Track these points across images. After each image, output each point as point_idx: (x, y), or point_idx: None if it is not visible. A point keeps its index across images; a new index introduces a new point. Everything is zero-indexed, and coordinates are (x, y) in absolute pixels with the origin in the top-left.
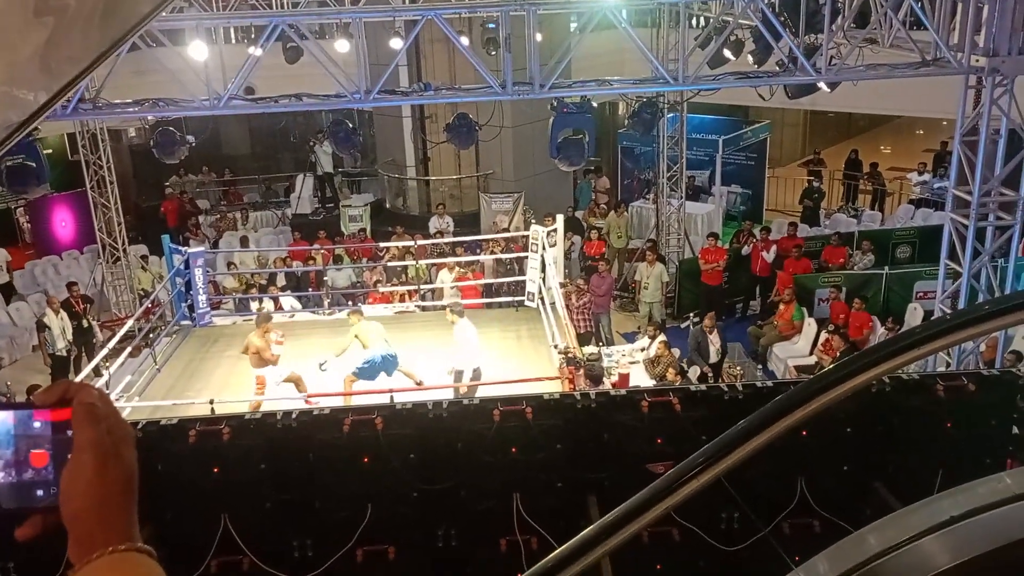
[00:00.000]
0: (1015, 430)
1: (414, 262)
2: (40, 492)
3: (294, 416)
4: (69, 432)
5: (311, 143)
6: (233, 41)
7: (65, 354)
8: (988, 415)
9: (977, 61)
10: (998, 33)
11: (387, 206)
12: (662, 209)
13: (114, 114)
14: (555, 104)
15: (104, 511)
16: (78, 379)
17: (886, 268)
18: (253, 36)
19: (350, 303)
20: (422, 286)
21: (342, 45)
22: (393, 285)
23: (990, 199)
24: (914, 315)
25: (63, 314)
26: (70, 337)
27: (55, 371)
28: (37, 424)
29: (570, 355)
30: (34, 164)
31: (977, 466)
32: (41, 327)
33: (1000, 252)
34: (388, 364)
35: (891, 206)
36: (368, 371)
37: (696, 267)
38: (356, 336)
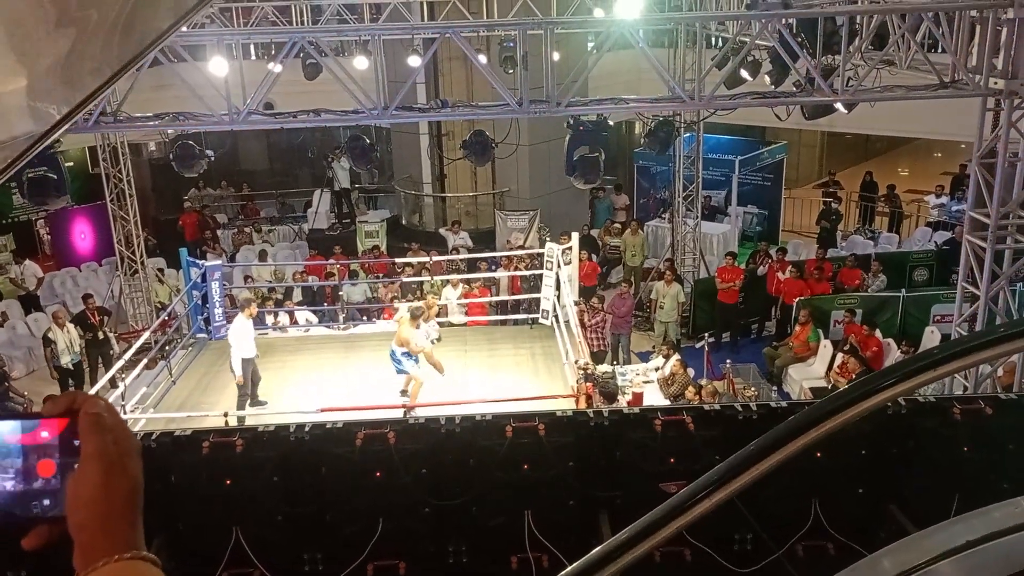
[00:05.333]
0: None
1: (429, 278)
2: (47, 501)
3: (307, 429)
4: (76, 442)
5: (329, 159)
6: (253, 57)
7: (71, 367)
8: (1005, 439)
9: (995, 84)
10: (1016, 56)
11: (403, 222)
12: (678, 229)
13: (134, 127)
14: (571, 122)
15: (109, 520)
16: (93, 390)
17: (903, 291)
18: (273, 52)
19: (364, 318)
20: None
21: (360, 62)
22: (408, 301)
23: (1008, 222)
24: (931, 338)
25: (68, 327)
26: (78, 350)
27: (63, 383)
28: (44, 434)
29: (588, 371)
30: (55, 176)
31: (994, 490)
32: (47, 342)
33: (1018, 275)
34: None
35: (909, 228)
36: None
37: (711, 287)
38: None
